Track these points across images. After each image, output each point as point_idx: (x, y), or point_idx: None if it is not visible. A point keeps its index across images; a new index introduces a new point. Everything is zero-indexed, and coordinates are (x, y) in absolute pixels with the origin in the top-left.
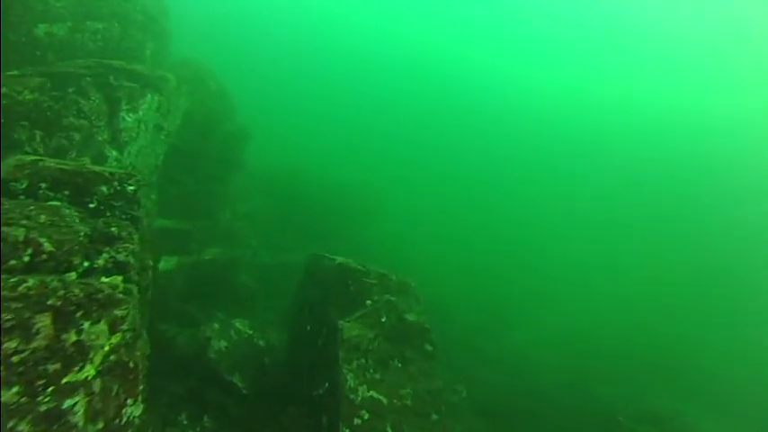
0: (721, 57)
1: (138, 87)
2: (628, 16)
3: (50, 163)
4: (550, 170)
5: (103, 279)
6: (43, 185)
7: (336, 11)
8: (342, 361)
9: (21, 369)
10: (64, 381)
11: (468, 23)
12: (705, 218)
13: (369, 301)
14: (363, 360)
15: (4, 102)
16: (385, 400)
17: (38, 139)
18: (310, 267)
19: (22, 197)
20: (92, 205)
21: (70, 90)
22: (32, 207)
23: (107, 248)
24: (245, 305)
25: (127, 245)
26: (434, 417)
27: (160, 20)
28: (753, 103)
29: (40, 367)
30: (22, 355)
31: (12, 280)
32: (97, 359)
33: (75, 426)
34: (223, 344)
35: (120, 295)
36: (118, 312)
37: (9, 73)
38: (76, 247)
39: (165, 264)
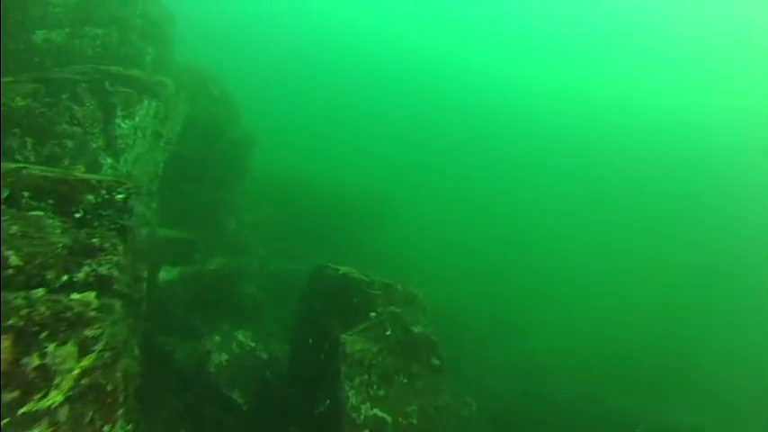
0: (721, 57)
1: (135, 93)
2: (627, 16)
3: (34, 170)
4: (551, 171)
5: (74, 296)
6: (26, 194)
7: (339, 14)
8: (344, 377)
9: None
10: (21, 411)
11: (469, 25)
12: (705, 218)
13: (373, 313)
14: (367, 376)
15: None
16: (389, 419)
17: (29, 146)
18: (314, 277)
19: (3, 206)
20: (78, 215)
21: (64, 96)
22: (6, 217)
23: (88, 261)
24: (251, 316)
25: (110, 256)
26: None
27: (162, 25)
28: (753, 103)
29: None
30: None
31: None
32: (66, 384)
33: None
34: (224, 357)
35: (93, 313)
36: (89, 332)
37: (4, 80)
38: (51, 261)
39: (168, 274)
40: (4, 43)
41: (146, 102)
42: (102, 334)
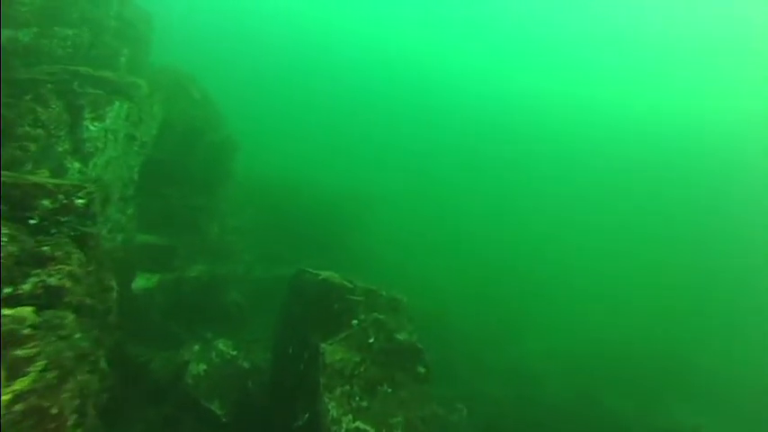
0: (720, 58)
1: (104, 94)
2: (626, 19)
3: None
4: (547, 174)
5: (5, 311)
6: None
7: (319, 17)
8: (323, 388)
9: None
10: None
11: (463, 28)
12: (704, 220)
13: (355, 321)
14: (348, 387)
15: None
16: (373, 431)
17: None
18: (293, 283)
19: None
20: (33, 221)
21: (27, 97)
22: None
23: (37, 271)
24: (236, 323)
25: (61, 266)
26: None
27: (139, 27)
28: (752, 105)
29: None
30: None
31: None
32: None
33: None
34: (202, 367)
35: (27, 330)
36: (20, 352)
37: None
38: None
39: (146, 282)
40: None
41: (117, 103)
42: (38, 353)
